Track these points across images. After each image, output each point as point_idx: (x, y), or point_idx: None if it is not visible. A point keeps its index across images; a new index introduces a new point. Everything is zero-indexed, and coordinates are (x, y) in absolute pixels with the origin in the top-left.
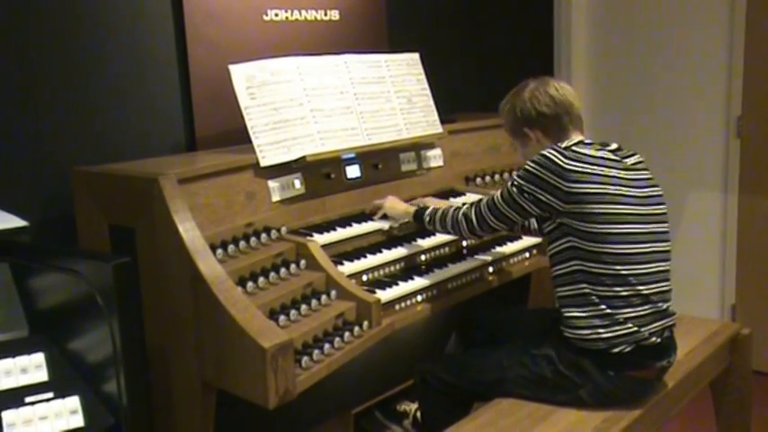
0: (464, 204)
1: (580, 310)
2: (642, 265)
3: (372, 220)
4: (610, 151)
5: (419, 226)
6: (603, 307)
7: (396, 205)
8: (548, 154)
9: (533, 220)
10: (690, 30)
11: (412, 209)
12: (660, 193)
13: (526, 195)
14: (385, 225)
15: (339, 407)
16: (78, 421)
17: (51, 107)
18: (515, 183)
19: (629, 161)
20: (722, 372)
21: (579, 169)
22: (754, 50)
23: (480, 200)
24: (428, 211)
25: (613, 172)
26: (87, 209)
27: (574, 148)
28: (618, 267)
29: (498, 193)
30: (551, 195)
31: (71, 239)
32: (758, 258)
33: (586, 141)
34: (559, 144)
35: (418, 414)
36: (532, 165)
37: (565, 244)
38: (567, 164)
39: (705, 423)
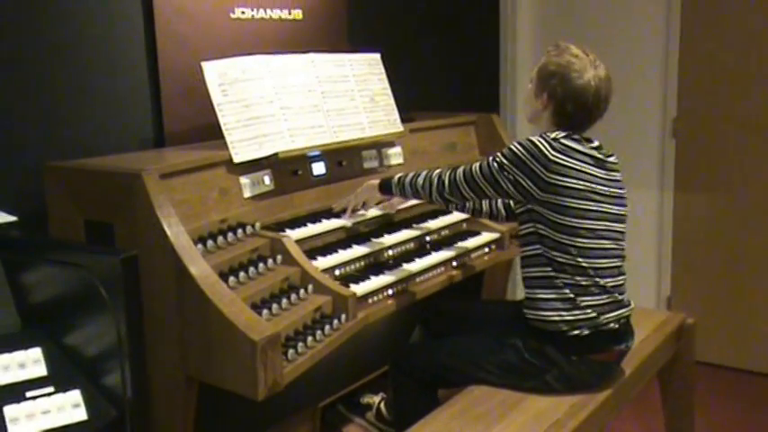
0: (437, 168)
1: (545, 291)
2: (602, 260)
3: (340, 217)
4: (593, 148)
5: (385, 194)
6: (567, 291)
7: (357, 190)
8: (536, 142)
9: (497, 204)
10: (627, 35)
11: (375, 182)
12: (625, 195)
13: (506, 174)
14: (350, 222)
15: (305, 401)
16: (81, 415)
17: (17, 103)
18: (497, 159)
19: (609, 160)
20: (669, 359)
21: (563, 162)
22: (688, 55)
23: (457, 166)
24: (396, 177)
25: (593, 169)
26: (61, 204)
27: (562, 140)
28: (580, 260)
29: (477, 164)
30: (531, 182)
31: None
32: (692, 253)
33: (574, 137)
34: (549, 134)
35: (381, 406)
36: (519, 148)
37: (531, 228)
38: (553, 155)
39: (651, 409)
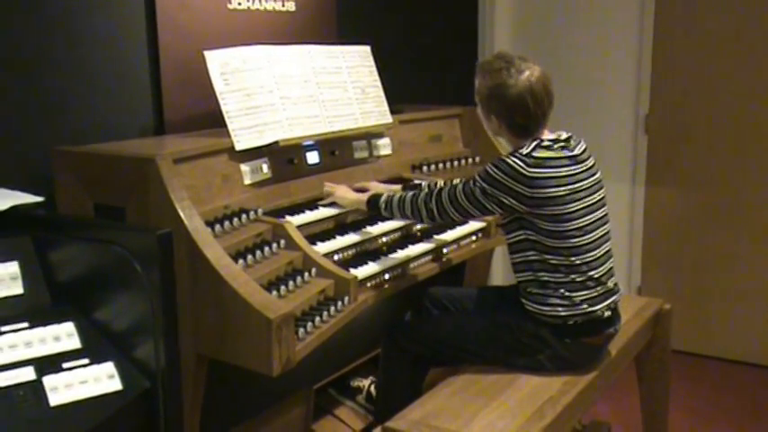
0: (421, 191)
1: (541, 290)
2: (592, 252)
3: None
4: (563, 146)
5: (372, 213)
6: (562, 291)
7: (347, 195)
8: (511, 163)
9: None
10: (601, 34)
11: (364, 197)
12: (601, 178)
13: (490, 197)
14: (344, 210)
15: (300, 384)
16: (116, 385)
17: (21, 91)
18: (479, 185)
19: (579, 151)
20: (646, 344)
21: (542, 175)
22: (660, 54)
23: (441, 189)
24: (383, 198)
25: (570, 169)
26: (70, 188)
27: (535, 153)
28: (573, 258)
29: (460, 187)
30: (514, 200)
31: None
32: (661, 245)
33: (544, 144)
34: (521, 151)
35: (371, 389)
36: (497, 171)
37: (520, 236)
38: (531, 172)
39: (626, 393)
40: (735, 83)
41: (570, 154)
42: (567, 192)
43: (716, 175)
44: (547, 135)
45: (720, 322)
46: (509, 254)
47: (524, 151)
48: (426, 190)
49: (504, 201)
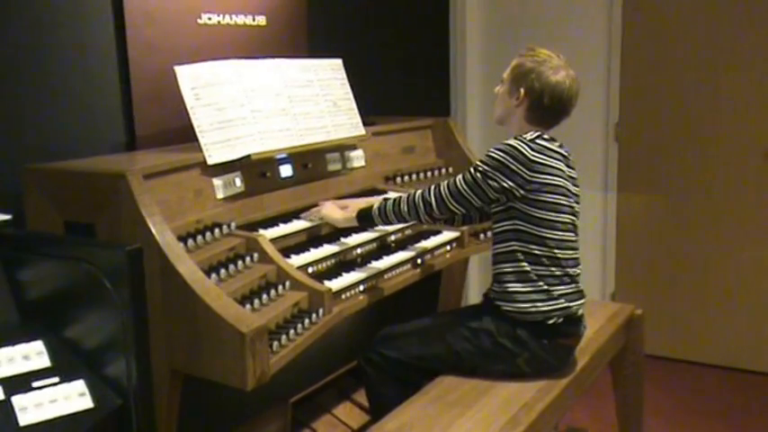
0: (415, 190)
1: (521, 285)
2: (570, 251)
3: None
4: (559, 145)
5: (364, 225)
6: (542, 284)
7: (334, 213)
8: (515, 144)
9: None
10: (571, 44)
11: (352, 214)
12: (579, 191)
13: (490, 181)
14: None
15: (276, 397)
16: (87, 403)
17: None
18: (480, 169)
19: (570, 158)
20: (620, 349)
21: (541, 161)
22: (629, 64)
23: (438, 184)
24: (375, 207)
25: (564, 167)
26: (39, 205)
27: (538, 141)
28: (556, 251)
29: (460, 177)
30: (513, 182)
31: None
32: (634, 251)
33: (545, 137)
34: (525, 136)
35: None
36: (499, 153)
37: (509, 226)
38: (533, 155)
39: (602, 398)
40: (703, 90)
41: (564, 153)
42: (560, 184)
43: (686, 181)
44: (548, 133)
45: (694, 327)
46: (492, 244)
47: (528, 138)
48: (423, 189)
49: (504, 184)
